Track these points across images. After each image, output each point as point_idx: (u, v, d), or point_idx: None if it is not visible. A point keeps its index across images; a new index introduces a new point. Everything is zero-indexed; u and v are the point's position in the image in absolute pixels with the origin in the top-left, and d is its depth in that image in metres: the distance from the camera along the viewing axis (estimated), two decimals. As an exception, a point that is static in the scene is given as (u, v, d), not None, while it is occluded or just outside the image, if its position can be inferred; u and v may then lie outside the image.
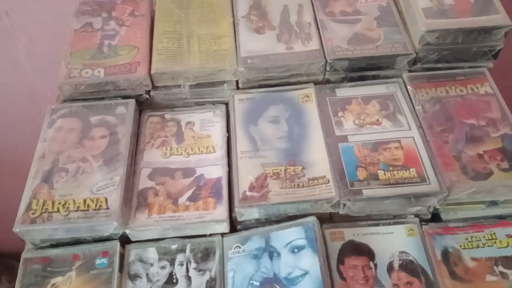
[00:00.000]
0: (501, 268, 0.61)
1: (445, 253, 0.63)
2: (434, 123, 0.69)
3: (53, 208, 0.63)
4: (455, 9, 0.73)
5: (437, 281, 0.60)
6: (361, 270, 0.61)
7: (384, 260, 0.62)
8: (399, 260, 0.62)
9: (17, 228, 0.61)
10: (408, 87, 0.74)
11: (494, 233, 0.64)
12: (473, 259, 0.62)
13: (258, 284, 0.59)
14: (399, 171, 0.64)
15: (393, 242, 0.64)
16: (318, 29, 0.77)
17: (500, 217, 0.67)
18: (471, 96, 0.73)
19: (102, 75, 0.74)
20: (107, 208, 0.62)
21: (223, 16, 0.81)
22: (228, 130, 0.73)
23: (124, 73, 0.73)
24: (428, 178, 0.63)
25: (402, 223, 0.65)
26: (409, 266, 0.61)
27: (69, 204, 0.63)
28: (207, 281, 0.61)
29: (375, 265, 0.62)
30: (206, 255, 0.63)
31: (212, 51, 0.76)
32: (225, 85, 0.76)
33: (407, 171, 0.64)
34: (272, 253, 0.61)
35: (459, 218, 0.67)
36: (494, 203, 0.67)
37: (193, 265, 0.62)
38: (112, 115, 0.73)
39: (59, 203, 0.63)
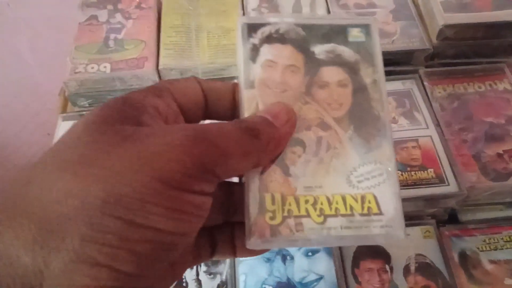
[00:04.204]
0: (520, 271, 0.60)
1: (463, 256, 0.61)
2: (452, 121, 0.67)
3: (299, 210, 0.34)
4: (475, 2, 0.71)
5: (454, 285, 0.58)
6: (376, 273, 0.59)
7: (400, 263, 0.60)
8: (416, 263, 0.60)
9: (251, 244, 0.31)
10: (425, 83, 0.71)
11: (513, 235, 0.63)
12: (491, 261, 0.61)
13: (271, 288, 0.57)
14: (416, 172, 0.62)
15: (409, 244, 0.62)
16: (332, 22, 0.75)
17: (519, 219, 0.65)
18: (490, 93, 0.70)
19: (108, 71, 0.71)
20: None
21: (233, 8, 0.78)
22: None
23: (132, 69, 0.71)
24: (447, 179, 0.61)
25: (419, 224, 0.63)
26: (426, 269, 0.60)
27: (321, 203, 0.34)
28: (218, 285, 0.59)
29: (391, 268, 0.60)
30: (217, 257, 0.61)
31: (221, 46, 0.73)
32: (235, 80, 0.73)
33: (425, 171, 0.62)
34: (285, 257, 0.59)
35: (477, 219, 0.65)
36: (513, 204, 0.65)
37: (203, 268, 0.61)
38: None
39: (307, 202, 0.34)
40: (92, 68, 0.72)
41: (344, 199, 0.33)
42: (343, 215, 0.33)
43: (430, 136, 0.65)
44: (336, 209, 0.33)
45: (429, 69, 0.73)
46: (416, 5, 0.76)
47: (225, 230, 0.32)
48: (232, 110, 0.33)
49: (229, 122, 0.28)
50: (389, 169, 0.34)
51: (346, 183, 0.34)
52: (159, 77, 0.72)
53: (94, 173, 0.21)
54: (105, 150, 0.22)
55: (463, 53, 0.72)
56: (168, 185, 0.22)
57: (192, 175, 0.23)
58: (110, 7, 0.81)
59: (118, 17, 0.79)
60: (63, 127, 0.73)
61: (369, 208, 0.33)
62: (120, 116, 0.24)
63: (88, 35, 0.77)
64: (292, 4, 0.78)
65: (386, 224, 0.33)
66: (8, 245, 0.20)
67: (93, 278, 0.20)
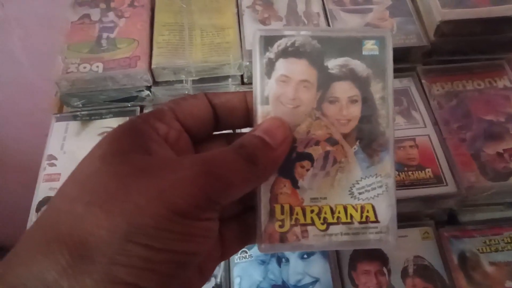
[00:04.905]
0: (521, 274, 0.59)
1: (462, 258, 0.60)
2: (451, 119, 0.66)
3: (305, 219, 0.37)
4: (473, -3, 0.69)
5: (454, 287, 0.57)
6: (373, 276, 0.58)
7: (398, 265, 0.59)
8: (414, 265, 0.59)
9: (262, 249, 0.37)
10: (423, 81, 0.70)
11: (514, 236, 0.61)
12: (492, 263, 0.59)
13: (266, 291, 0.56)
14: (414, 172, 0.61)
15: (407, 246, 0.60)
16: (327, 19, 0.73)
17: (520, 219, 0.64)
18: (490, 90, 0.69)
19: (100, 70, 0.70)
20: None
21: (227, 6, 0.77)
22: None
23: (124, 68, 0.70)
24: (445, 179, 0.60)
25: (417, 225, 0.62)
26: (424, 272, 0.58)
27: (325, 213, 0.38)
28: (212, 288, 0.58)
29: (389, 271, 0.59)
30: (211, 260, 0.60)
31: (215, 44, 0.72)
32: (230, 80, 0.72)
33: (423, 171, 0.61)
34: (281, 259, 0.58)
35: (476, 220, 0.63)
36: (513, 204, 0.64)
37: (197, 271, 0.60)
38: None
39: (312, 212, 0.37)
40: (84, 67, 0.71)
41: (345, 208, 0.37)
42: (343, 223, 0.37)
43: (428, 135, 0.64)
44: (338, 217, 0.37)
45: (426, 66, 0.71)
46: (413, 1, 0.75)
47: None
48: (245, 119, 0.35)
49: (230, 148, 0.30)
50: (388, 182, 0.36)
51: (349, 194, 0.37)
52: (152, 76, 0.71)
53: (118, 206, 0.25)
54: (125, 183, 0.26)
55: (461, 49, 0.71)
56: (181, 216, 0.26)
57: (201, 207, 0.27)
58: (102, 5, 0.79)
59: (111, 15, 0.78)
60: (57, 128, 0.71)
61: (367, 216, 0.37)
62: (131, 145, 0.28)
63: (80, 34, 0.76)
64: (287, 1, 0.76)
65: (381, 231, 0.37)
66: (44, 269, 0.23)
67: None
